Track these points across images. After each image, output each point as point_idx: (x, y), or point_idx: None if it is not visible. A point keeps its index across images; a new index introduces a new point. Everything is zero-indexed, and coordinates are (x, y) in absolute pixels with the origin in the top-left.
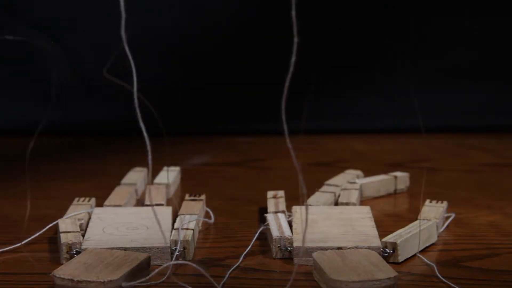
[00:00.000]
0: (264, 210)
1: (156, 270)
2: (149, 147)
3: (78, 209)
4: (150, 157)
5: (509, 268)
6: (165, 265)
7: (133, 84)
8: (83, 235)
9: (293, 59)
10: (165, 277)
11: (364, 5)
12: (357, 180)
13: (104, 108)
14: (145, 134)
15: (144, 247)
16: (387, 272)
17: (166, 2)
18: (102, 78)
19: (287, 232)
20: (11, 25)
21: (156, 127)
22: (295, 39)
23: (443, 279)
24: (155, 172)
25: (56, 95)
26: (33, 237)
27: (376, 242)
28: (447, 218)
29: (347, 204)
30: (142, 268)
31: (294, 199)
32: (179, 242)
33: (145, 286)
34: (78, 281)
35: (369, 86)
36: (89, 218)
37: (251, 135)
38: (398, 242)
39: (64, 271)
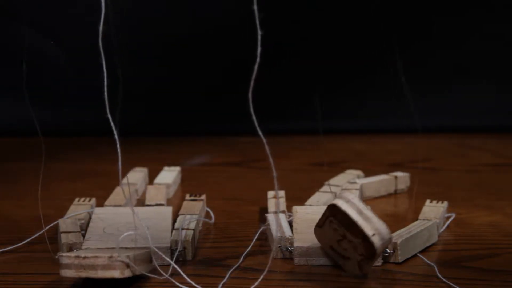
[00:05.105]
0: (264, 210)
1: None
2: (118, 148)
3: (79, 209)
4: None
5: (509, 268)
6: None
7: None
8: (84, 235)
9: (259, 50)
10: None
11: (363, 6)
12: (357, 180)
13: (103, 108)
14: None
15: (144, 247)
16: None
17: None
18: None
19: (287, 232)
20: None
21: (157, 127)
22: (259, 32)
23: (443, 279)
24: (155, 172)
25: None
26: (33, 237)
27: None
28: (448, 218)
29: None
30: (147, 260)
31: (295, 199)
32: (179, 242)
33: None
34: (84, 257)
35: (369, 86)
36: (90, 218)
37: (251, 135)
38: (398, 242)
39: (69, 253)
